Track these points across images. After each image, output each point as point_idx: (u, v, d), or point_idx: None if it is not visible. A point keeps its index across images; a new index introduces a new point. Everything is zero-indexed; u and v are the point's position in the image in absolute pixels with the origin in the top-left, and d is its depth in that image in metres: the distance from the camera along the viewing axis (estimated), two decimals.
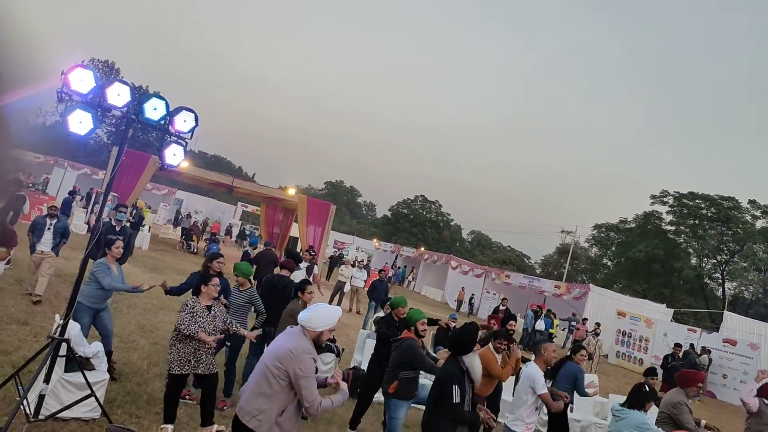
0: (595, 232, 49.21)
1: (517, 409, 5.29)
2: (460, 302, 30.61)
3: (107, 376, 5.51)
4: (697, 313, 34.62)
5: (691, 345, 19.26)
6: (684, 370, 6.64)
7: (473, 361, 4.49)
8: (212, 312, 5.30)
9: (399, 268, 39.18)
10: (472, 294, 31.05)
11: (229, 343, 6.50)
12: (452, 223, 71.25)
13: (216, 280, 5.42)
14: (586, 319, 21.18)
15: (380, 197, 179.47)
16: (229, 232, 39.28)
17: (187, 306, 5.18)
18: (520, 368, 6.00)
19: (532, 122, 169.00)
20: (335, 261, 28.72)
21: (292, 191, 25.04)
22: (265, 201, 27.38)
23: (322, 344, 3.73)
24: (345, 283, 17.50)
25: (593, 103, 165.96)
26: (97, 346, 5.59)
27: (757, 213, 40.27)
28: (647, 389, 5.27)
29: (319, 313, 3.72)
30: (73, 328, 5.31)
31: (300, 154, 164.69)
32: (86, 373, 4.89)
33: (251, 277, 7.39)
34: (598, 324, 18.99)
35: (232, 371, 6.52)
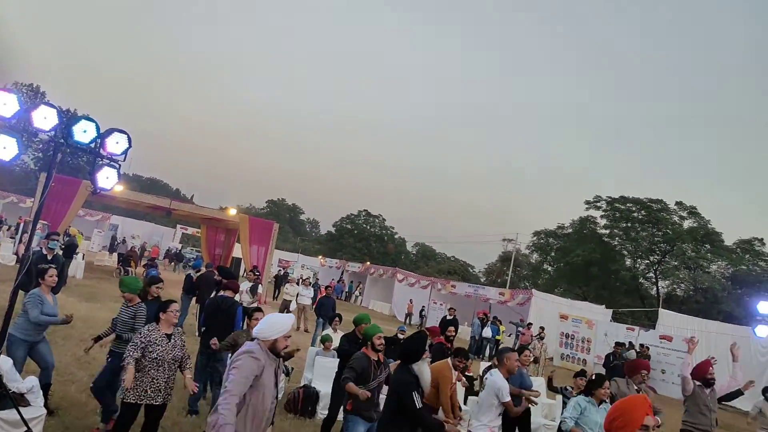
0: (534, 238, 50.60)
1: (483, 416, 5.40)
2: (409, 315, 30.74)
3: (44, 411, 5.23)
4: (634, 312, 35.92)
5: (630, 343, 19.96)
6: (628, 361, 6.99)
7: (422, 369, 4.54)
8: (172, 340, 5.05)
9: (338, 282, 38.80)
10: (423, 306, 31.26)
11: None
12: (396, 236, 71.65)
13: (175, 306, 5.17)
14: (531, 324, 21.65)
15: (323, 213, 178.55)
16: (168, 255, 38.33)
17: (141, 335, 4.94)
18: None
19: (471, 125, 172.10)
20: (280, 280, 28.36)
21: (233, 211, 24.61)
22: (206, 222, 26.81)
23: (279, 352, 3.69)
24: (291, 301, 17.28)
25: (528, 104, 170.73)
26: (32, 381, 5.30)
27: (684, 214, 42.46)
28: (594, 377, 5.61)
29: (270, 321, 3.70)
30: (5, 363, 5.03)
31: (240, 173, 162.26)
32: (21, 409, 4.64)
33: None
34: (542, 328, 19.45)
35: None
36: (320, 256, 50.07)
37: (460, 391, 7.67)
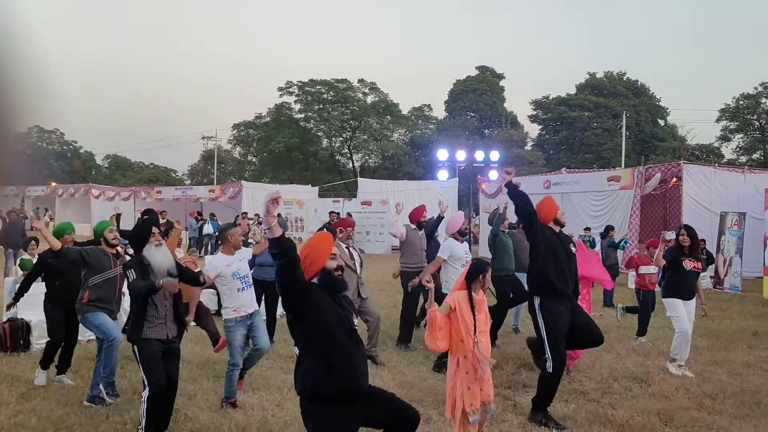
0: (234, 132, 50.18)
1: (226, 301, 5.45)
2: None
3: None
4: (336, 186, 38.94)
5: (338, 213, 21.83)
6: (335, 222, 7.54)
7: (151, 253, 4.39)
8: None
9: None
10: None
11: None
12: (82, 151, 64.11)
13: None
14: (246, 213, 22.01)
15: None
16: None
17: None
18: None
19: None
20: None
21: None
22: None
23: None
24: None
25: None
26: None
27: (366, 90, 46.26)
28: None
29: None
30: None
31: None
32: None
33: None
34: (257, 215, 19.97)
35: None
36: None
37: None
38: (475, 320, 4.19)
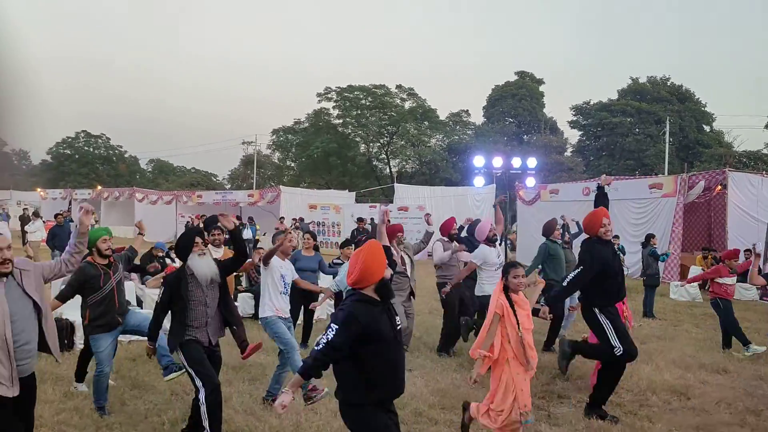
0: (274, 137, 50.82)
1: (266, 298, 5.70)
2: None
3: None
4: (373, 191, 39.10)
5: (372, 219, 21.89)
6: (388, 227, 7.63)
7: (194, 263, 4.47)
8: None
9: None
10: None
11: None
12: (126, 156, 65.86)
13: None
14: (283, 218, 22.31)
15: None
16: None
17: None
18: None
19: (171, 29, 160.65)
20: (25, 220, 24.40)
21: None
22: None
23: None
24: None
25: None
26: None
27: (404, 96, 46.33)
28: None
29: None
30: None
31: None
32: None
33: None
34: (294, 219, 20.21)
35: None
36: (38, 189, 44.01)
37: None
38: (517, 319, 4.31)
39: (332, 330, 3.03)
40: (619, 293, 5.51)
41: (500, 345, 4.32)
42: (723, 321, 8.18)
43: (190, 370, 4.37)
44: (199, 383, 4.30)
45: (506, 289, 4.45)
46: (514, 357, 4.29)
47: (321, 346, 3.04)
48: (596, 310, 5.33)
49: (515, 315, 4.32)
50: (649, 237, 11.73)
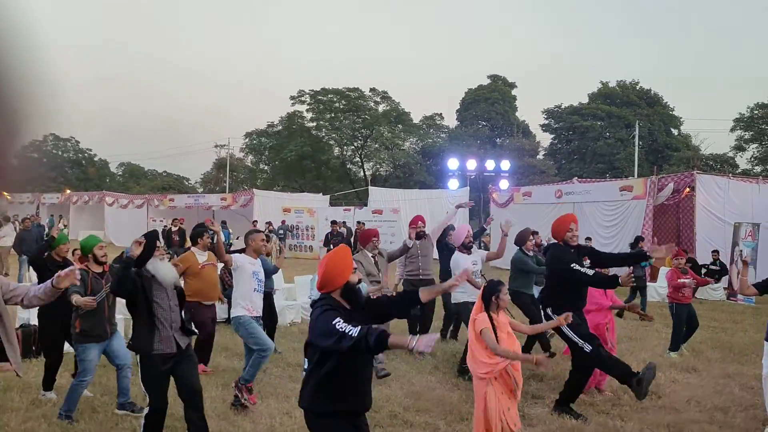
0: (247, 140, 50.45)
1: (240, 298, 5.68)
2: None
3: None
4: (347, 194, 39.02)
5: (344, 222, 21.82)
6: (361, 232, 7.57)
7: (157, 267, 4.34)
8: None
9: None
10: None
11: None
12: (96, 159, 64.73)
13: None
14: (256, 221, 22.10)
15: None
16: None
17: None
18: None
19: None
20: None
21: None
22: None
23: None
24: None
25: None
26: None
27: (378, 99, 46.42)
28: None
29: None
30: None
31: None
32: None
33: None
34: (269, 222, 20.05)
35: None
36: (4, 193, 42.97)
37: None
38: (498, 340, 4.24)
39: (338, 322, 2.89)
40: (583, 299, 5.54)
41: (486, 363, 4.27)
42: (674, 323, 8.04)
43: (142, 386, 4.35)
44: (147, 400, 4.33)
45: (487, 308, 4.38)
46: (499, 377, 4.25)
47: (350, 332, 2.83)
48: (549, 311, 5.40)
49: (497, 337, 4.26)
50: (638, 239, 11.26)
